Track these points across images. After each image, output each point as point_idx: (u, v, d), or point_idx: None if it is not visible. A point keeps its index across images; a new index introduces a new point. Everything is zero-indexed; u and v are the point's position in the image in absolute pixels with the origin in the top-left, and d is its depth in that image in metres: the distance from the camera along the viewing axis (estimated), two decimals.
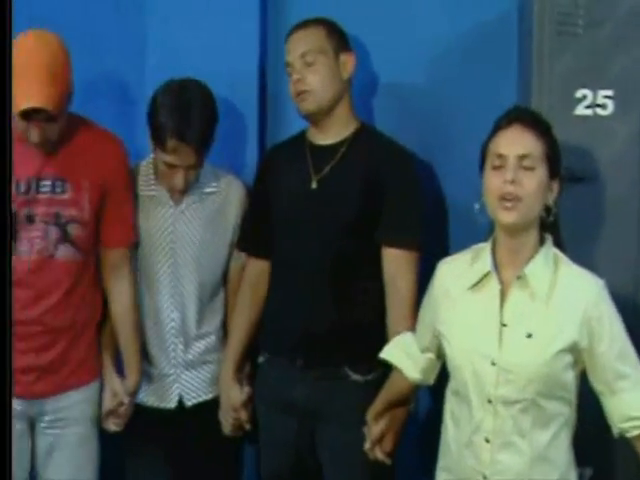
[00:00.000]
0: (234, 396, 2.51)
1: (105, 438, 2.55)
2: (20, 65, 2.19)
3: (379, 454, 2.25)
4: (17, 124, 2.26)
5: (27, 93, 2.18)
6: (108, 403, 2.48)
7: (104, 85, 2.82)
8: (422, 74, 2.67)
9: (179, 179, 2.42)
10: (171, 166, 2.41)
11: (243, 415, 2.50)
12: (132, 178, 2.53)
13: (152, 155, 2.52)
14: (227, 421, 2.54)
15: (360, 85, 2.55)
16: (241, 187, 2.60)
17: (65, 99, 2.28)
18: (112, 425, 2.50)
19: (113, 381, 2.49)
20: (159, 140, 2.39)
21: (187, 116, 2.38)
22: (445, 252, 2.47)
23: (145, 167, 2.55)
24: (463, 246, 2.13)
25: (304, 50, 2.38)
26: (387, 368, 2.31)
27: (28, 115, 2.21)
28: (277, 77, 2.72)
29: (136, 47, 2.78)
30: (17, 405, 2.39)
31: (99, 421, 2.53)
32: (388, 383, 2.26)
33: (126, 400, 2.47)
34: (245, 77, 2.72)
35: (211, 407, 2.58)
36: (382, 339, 2.34)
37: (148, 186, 2.53)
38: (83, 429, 2.49)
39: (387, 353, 2.24)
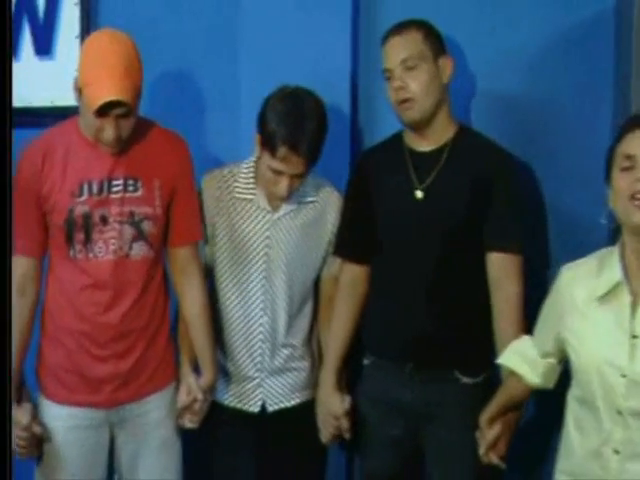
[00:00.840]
0: (335, 404, 2.49)
1: (188, 439, 2.55)
2: (95, 61, 2.23)
3: (494, 458, 2.26)
4: (87, 127, 2.29)
5: (104, 87, 2.19)
6: (183, 399, 2.46)
7: (194, 91, 2.84)
8: (517, 77, 2.63)
9: (283, 187, 2.40)
10: (277, 173, 2.39)
11: (344, 424, 2.49)
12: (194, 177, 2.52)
13: (252, 159, 2.51)
14: (327, 430, 2.53)
15: (455, 88, 2.49)
16: (339, 199, 2.57)
17: (139, 94, 2.28)
18: (188, 422, 2.48)
19: (188, 378, 2.48)
20: (270, 146, 2.36)
21: (302, 126, 2.35)
22: (545, 258, 2.49)
23: (245, 170, 2.52)
24: (562, 252, 2.11)
25: (404, 56, 2.35)
26: (493, 371, 2.35)
27: (103, 112, 2.21)
28: (369, 81, 2.70)
29: (228, 53, 2.78)
30: (98, 415, 2.41)
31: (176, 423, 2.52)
32: (503, 388, 2.26)
33: (200, 396, 2.45)
34: (337, 81, 2.67)
35: (294, 413, 2.59)
36: (490, 342, 2.36)
37: (247, 189, 2.51)
38: (165, 432, 2.50)
39: (505, 358, 2.24)
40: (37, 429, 2.35)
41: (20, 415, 2.33)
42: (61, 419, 2.41)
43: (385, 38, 2.42)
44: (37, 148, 2.37)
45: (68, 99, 2.84)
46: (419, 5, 2.60)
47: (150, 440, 2.48)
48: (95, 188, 2.34)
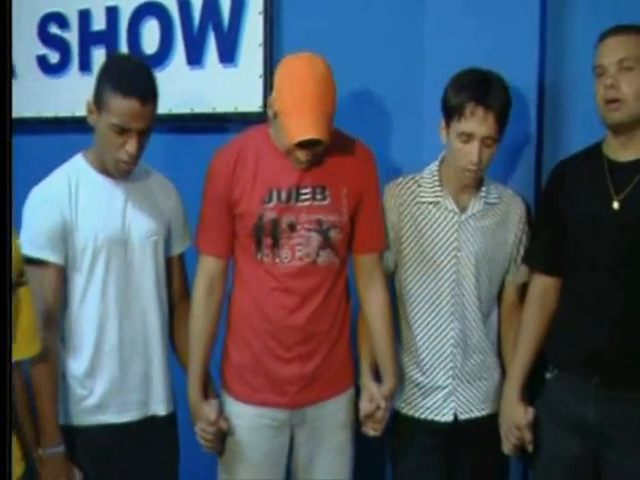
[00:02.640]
0: (519, 415, 2.43)
1: (361, 444, 2.56)
2: (293, 90, 2.26)
3: None
4: (281, 144, 2.32)
5: (303, 125, 2.22)
6: (365, 407, 2.45)
7: (377, 99, 2.83)
8: None
9: (474, 152, 2.35)
10: (467, 138, 2.35)
11: (527, 435, 2.43)
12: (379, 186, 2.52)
13: (436, 163, 2.51)
14: (510, 441, 2.47)
15: None
16: (522, 203, 2.54)
17: (333, 120, 2.31)
18: (371, 430, 2.48)
19: (370, 385, 2.47)
20: (458, 109, 2.35)
21: (488, 83, 2.35)
22: None
23: (429, 174, 2.52)
24: None
25: (622, 56, 2.26)
26: None
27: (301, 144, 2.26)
28: (556, 92, 2.64)
29: (412, 60, 2.76)
30: (281, 416, 2.45)
31: (355, 427, 2.53)
32: None
33: (383, 404, 2.44)
34: (524, 91, 2.60)
35: (479, 424, 2.54)
36: None
37: (432, 193, 2.50)
38: (341, 436, 2.51)
39: None
40: (223, 424, 2.43)
41: (208, 411, 2.41)
42: (246, 418, 2.47)
43: (604, 36, 2.34)
44: (230, 152, 2.42)
45: (251, 105, 2.96)
46: (612, 14, 2.48)
47: (327, 443, 2.50)
48: (284, 196, 2.37)
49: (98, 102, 2.31)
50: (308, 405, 2.46)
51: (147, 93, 2.30)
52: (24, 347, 2.20)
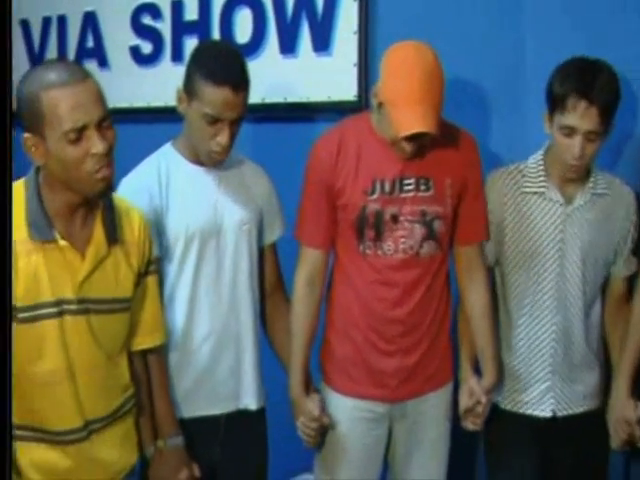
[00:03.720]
0: (629, 410, 2.37)
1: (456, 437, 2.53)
2: (401, 81, 2.18)
3: None
4: (386, 134, 2.26)
5: (412, 117, 2.15)
6: (465, 402, 2.41)
7: (477, 88, 2.76)
8: None
9: (576, 147, 2.27)
10: (570, 132, 2.26)
11: (638, 431, 2.37)
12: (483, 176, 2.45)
13: (540, 152, 2.43)
14: (619, 435, 2.41)
15: None
16: (631, 192, 2.45)
17: (441, 111, 2.24)
18: (470, 424, 2.44)
19: (470, 379, 2.43)
20: (561, 101, 2.25)
21: (592, 73, 2.25)
22: None
23: (533, 163, 2.44)
24: None
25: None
26: None
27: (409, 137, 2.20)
28: None
29: (513, 48, 2.68)
30: (381, 409, 2.42)
31: (451, 421, 2.50)
32: None
33: (483, 399, 2.40)
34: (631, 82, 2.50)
35: (579, 420, 2.47)
36: None
37: (536, 183, 2.42)
38: (439, 431, 2.48)
39: None
40: (326, 420, 2.40)
41: (311, 406, 2.39)
42: (346, 410, 2.44)
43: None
44: (332, 141, 2.36)
45: (345, 94, 2.91)
46: None
47: (425, 437, 2.47)
48: (387, 187, 2.32)
49: (189, 90, 2.26)
50: (408, 398, 2.43)
51: (240, 81, 2.25)
52: (148, 336, 2.22)
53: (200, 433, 2.38)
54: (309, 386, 2.45)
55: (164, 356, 2.32)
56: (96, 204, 2.01)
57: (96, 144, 1.89)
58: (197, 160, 2.35)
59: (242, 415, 2.44)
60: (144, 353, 2.25)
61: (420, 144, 2.25)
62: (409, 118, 2.16)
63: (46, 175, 1.96)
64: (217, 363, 2.38)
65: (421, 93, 2.16)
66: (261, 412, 2.50)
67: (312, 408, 2.38)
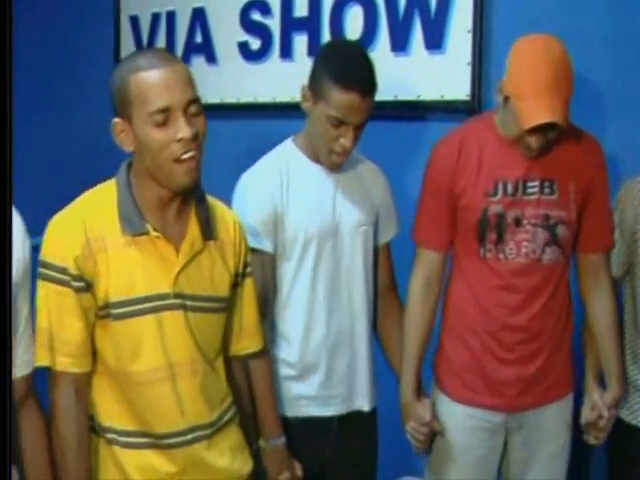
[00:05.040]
0: None
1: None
2: (530, 77, 2.13)
3: None
4: (511, 131, 2.21)
5: (539, 109, 2.10)
6: (587, 415, 2.35)
7: (600, 93, 2.67)
8: None
9: None
10: None
11: None
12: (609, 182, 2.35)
13: None
14: None
15: None
16: None
17: (569, 106, 2.17)
18: (592, 439, 2.38)
19: (593, 392, 2.37)
20: None
21: None
22: None
23: None
24: None
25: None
26: None
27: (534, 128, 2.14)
28: None
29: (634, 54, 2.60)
30: (497, 419, 2.36)
31: (571, 433, 2.43)
32: None
33: (606, 414, 2.32)
34: None
35: None
36: None
37: None
38: (558, 443, 2.40)
39: None
40: (436, 425, 2.36)
41: (422, 411, 2.35)
42: (459, 418, 2.39)
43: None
44: (454, 141, 2.33)
45: (457, 93, 2.87)
46: None
47: (543, 449, 2.40)
48: (510, 188, 2.27)
49: (315, 90, 2.25)
50: (526, 409, 2.36)
51: (367, 87, 2.23)
52: (251, 339, 2.18)
53: (312, 433, 2.37)
54: (420, 390, 2.41)
55: (269, 359, 2.31)
56: (189, 201, 1.97)
57: (182, 129, 1.82)
58: (317, 159, 2.34)
59: (355, 416, 2.42)
60: (245, 358, 2.20)
61: (547, 139, 2.19)
62: (536, 109, 2.11)
63: (137, 168, 1.93)
64: (333, 363, 2.37)
65: (549, 84, 2.11)
66: (373, 413, 2.47)
67: (423, 413, 2.34)
